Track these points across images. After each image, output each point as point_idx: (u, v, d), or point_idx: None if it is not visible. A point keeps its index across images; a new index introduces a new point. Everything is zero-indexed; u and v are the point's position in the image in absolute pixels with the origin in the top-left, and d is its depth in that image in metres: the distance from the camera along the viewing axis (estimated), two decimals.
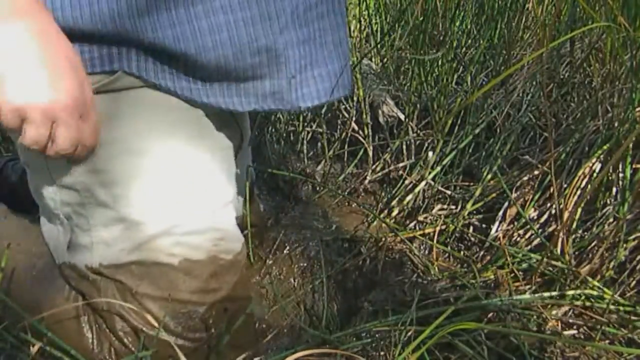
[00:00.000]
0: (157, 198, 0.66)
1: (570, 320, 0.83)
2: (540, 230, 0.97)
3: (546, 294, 0.86)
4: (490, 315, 0.84)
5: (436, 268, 0.97)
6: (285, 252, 1.00)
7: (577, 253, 0.91)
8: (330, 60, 0.69)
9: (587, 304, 0.85)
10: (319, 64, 0.68)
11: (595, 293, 0.85)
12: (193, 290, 0.67)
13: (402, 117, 1.22)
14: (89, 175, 0.64)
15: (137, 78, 0.63)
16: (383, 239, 1.01)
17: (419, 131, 1.23)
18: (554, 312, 0.82)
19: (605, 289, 0.85)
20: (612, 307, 0.82)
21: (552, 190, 1.00)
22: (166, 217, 0.67)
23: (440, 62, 1.25)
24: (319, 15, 0.66)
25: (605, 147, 0.94)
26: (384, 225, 1.08)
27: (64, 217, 0.67)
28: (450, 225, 1.04)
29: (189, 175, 0.68)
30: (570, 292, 0.86)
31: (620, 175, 0.92)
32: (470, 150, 1.15)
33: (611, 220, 0.91)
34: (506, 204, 1.02)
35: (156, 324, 0.65)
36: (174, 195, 0.67)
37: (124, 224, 0.66)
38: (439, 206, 1.10)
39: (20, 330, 0.68)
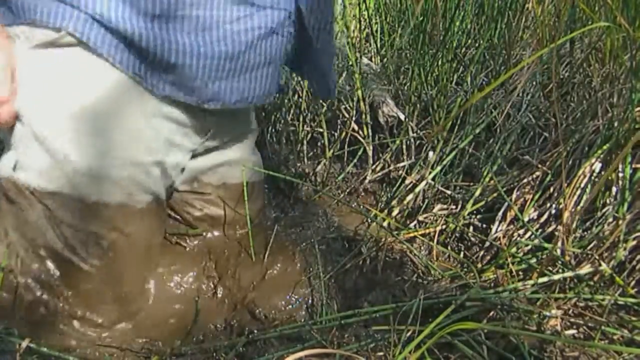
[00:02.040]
0: (83, 141, 0.77)
1: (571, 320, 0.83)
2: (540, 231, 0.97)
3: (546, 294, 0.86)
4: (490, 315, 0.84)
5: (436, 268, 0.97)
6: (285, 251, 1.01)
7: (577, 253, 0.91)
8: (248, 82, 0.83)
9: (587, 303, 0.85)
10: (232, 80, 0.81)
11: (596, 288, 0.85)
12: (101, 226, 0.80)
13: (402, 117, 1.22)
14: (30, 110, 0.76)
15: (79, 40, 0.73)
16: (383, 239, 1.01)
17: (419, 131, 1.23)
18: (553, 311, 0.82)
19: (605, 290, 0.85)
20: (611, 307, 0.82)
21: (552, 190, 1.00)
22: (88, 160, 0.77)
23: (440, 62, 1.25)
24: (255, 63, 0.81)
25: (605, 147, 0.94)
26: (384, 225, 1.08)
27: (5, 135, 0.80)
28: (451, 225, 1.04)
29: (117, 130, 0.78)
30: (570, 292, 0.86)
31: (620, 175, 0.92)
32: (470, 150, 1.15)
33: (611, 220, 0.91)
34: (506, 204, 1.02)
35: (67, 245, 0.79)
36: (100, 142, 0.78)
37: (53, 159, 0.77)
38: (439, 206, 1.10)
39: None
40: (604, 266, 0.84)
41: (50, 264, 0.80)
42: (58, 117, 0.76)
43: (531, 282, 0.89)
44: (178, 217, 0.97)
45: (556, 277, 0.87)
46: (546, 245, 0.94)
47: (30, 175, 0.78)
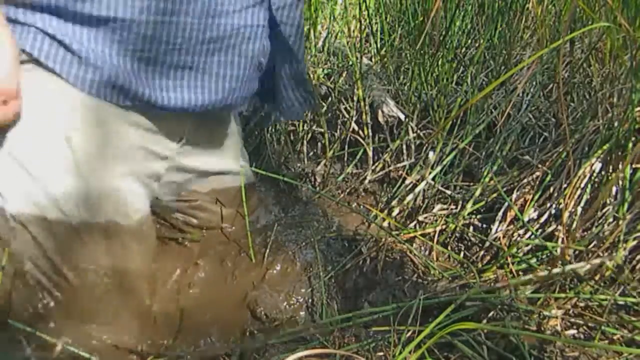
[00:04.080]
0: (61, 163, 0.75)
1: (571, 320, 0.83)
2: (540, 231, 0.97)
3: (546, 294, 0.86)
4: (490, 315, 0.84)
5: (436, 268, 0.97)
6: (285, 252, 1.01)
7: (577, 253, 0.91)
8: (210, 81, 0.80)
9: (587, 303, 0.85)
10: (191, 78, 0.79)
11: (596, 288, 0.85)
12: (90, 250, 0.77)
13: (402, 117, 1.22)
14: (8, 135, 0.73)
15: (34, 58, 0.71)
16: (383, 239, 1.01)
17: (419, 131, 1.23)
18: (553, 311, 0.82)
19: (605, 290, 0.85)
20: (611, 307, 0.82)
21: (552, 190, 1.01)
22: (69, 182, 0.75)
23: (440, 62, 1.25)
24: (211, 51, 0.78)
25: (605, 147, 0.94)
26: (384, 225, 1.08)
27: None
28: (451, 225, 1.04)
29: (92, 148, 0.76)
30: (571, 292, 0.86)
31: (620, 175, 0.93)
32: (470, 150, 1.15)
33: (611, 220, 0.91)
34: (506, 204, 1.02)
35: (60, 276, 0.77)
36: (77, 162, 0.75)
37: (36, 183, 0.74)
38: (439, 206, 1.10)
39: None
40: (607, 262, 0.84)
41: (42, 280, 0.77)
42: (36, 141, 0.74)
43: (528, 276, 0.88)
44: (169, 223, 0.96)
45: (556, 270, 0.86)
46: (548, 245, 0.94)
47: (13, 203, 0.74)
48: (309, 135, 1.33)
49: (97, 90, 0.74)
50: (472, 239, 1.04)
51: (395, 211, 1.11)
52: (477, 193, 1.06)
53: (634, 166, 0.92)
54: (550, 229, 0.97)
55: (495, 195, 1.06)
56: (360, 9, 1.51)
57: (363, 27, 1.49)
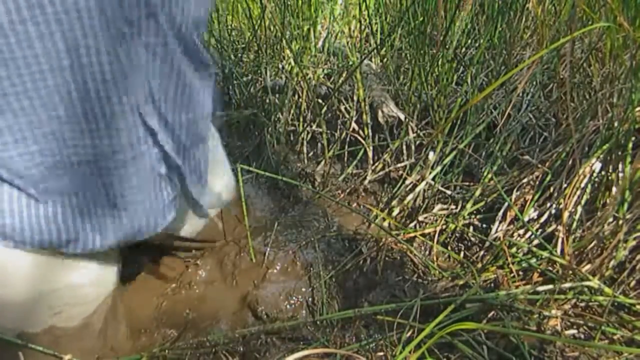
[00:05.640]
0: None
1: (570, 320, 0.83)
2: (540, 231, 0.98)
3: (545, 287, 0.86)
4: (490, 315, 0.84)
5: (436, 268, 0.97)
6: (285, 251, 1.01)
7: (577, 253, 0.91)
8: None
9: (587, 303, 0.85)
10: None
11: (595, 286, 0.85)
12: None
13: (402, 117, 1.22)
14: None
15: None
16: (383, 239, 1.01)
17: (419, 131, 1.23)
18: (553, 311, 0.82)
19: (605, 287, 0.85)
20: (611, 307, 0.83)
21: (552, 190, 1.01)
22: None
23: (440, 62, 1.25)
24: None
25: (605, 147, 0.94)
26: (384, 225, 1.08)
27: None
28: (451, 225, 1.04)
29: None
30: (570, 291, 0.86)
31: (620, 175, 0.93)
32: (470, 150, 1.15)
33: (611, 220, 0.91)
34: (506, 204, 1.02)
35: None
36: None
37: None
38: (439, 206, 1.10)
39: None
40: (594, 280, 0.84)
41: None
42: None
43: (529, 286, 0.88)
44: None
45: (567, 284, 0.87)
46: (547, 246, 0.94)
47: None
48: (309, 135, 1.33)
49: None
50: (472, 239, 1.04)
51: (396, 211, 1.11)
52: (477, 193, 1.06)
53: (634, 166, 0.92)
54: (550, 229, 0.97)
55: (495, 195, 1.06)
56: (360, 9, 1.51)
57: (363, 27, 1.49)
